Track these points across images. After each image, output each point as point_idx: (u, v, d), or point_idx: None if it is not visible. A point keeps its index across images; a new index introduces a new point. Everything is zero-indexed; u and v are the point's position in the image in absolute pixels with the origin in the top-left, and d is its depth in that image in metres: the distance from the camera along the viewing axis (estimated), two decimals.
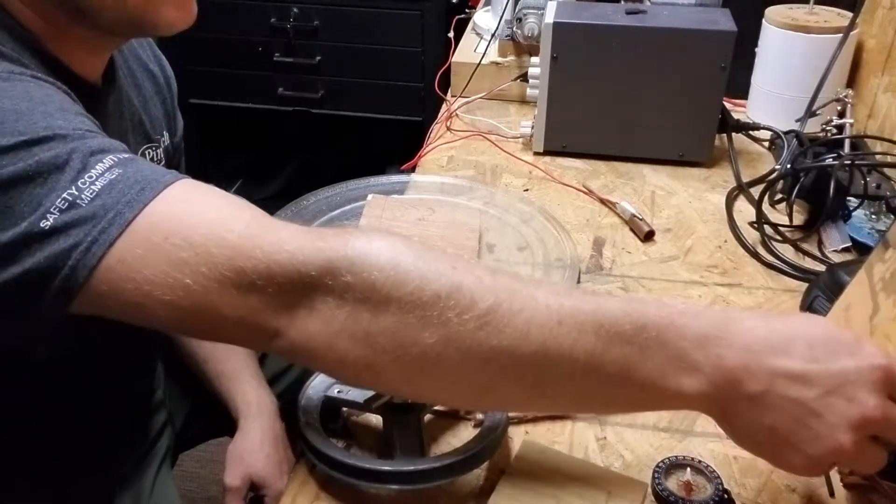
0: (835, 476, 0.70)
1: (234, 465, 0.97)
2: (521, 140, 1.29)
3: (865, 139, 1.22)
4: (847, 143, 1.14)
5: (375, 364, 0.58)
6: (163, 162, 0.91)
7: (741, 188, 1.16)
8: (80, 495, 0.90)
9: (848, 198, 1.06)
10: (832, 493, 0.69)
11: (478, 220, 1.05)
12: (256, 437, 0.98)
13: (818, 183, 1.04)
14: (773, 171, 1.17)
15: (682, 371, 0.58)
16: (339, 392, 0.76)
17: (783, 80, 1.29)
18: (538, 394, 0.60)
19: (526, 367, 0.57)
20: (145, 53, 0.93)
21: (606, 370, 0.58)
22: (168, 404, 1.09)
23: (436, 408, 0.78)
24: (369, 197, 1.07)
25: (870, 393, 0.57)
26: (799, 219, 1.09)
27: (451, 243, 0.98)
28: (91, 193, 0.56)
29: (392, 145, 2.33)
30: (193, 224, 0.57)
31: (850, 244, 1.03)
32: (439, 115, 1.39)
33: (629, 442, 0.76)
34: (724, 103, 1.22)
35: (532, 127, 1.25)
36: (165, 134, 0.93)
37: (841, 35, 1.22)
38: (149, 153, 0.89)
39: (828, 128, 1.19)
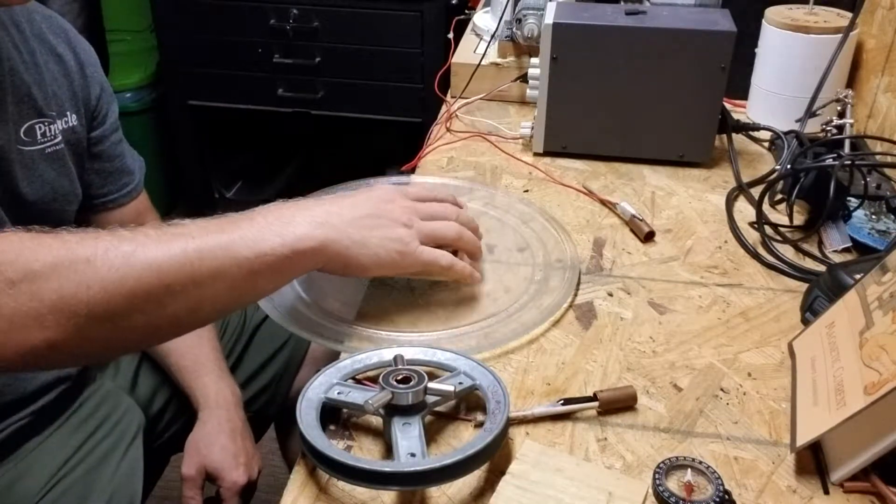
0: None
1: (191, 455, 1.00)
2: (520, 141, 1.29)
3: (865, 139, 1.22)
4: (847, 143, 1.14)
5: (58, 339, 0.62)
6: (58, 139, 0.96)
7: (741, 188, 1.16)
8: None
9: (848, 198, 1.06)
10: (826, 491, 0.70)
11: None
12: (213, 428, 1.01)
13: (818, 183, 1.04)
14: (773, 171, 1.17)
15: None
16: (339, 394, 0.76)
17: (783, 81, 1.29)
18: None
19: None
20: (56, 38, 0.98)
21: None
22: (136, 389, 1.11)
23: (437, 409, 0.78)
24: None
25: (394, 196, 0.83)
26: (799, 219, 1.09)
27: None
28: None
29: (392, 146, 2.33)
30: None
31: (850, 244, 1.03)
32: (439, 116, 1.39)
33: (630, 443, 0.76)
34: (724, 104, 1.22)
35: (532, 128, 1.25)
36: (71, 115, 0.98)
37: (841, 35, 1.22)
38: (39, 127, 0.94)
39: (828, 128, 1.19)
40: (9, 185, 0.91)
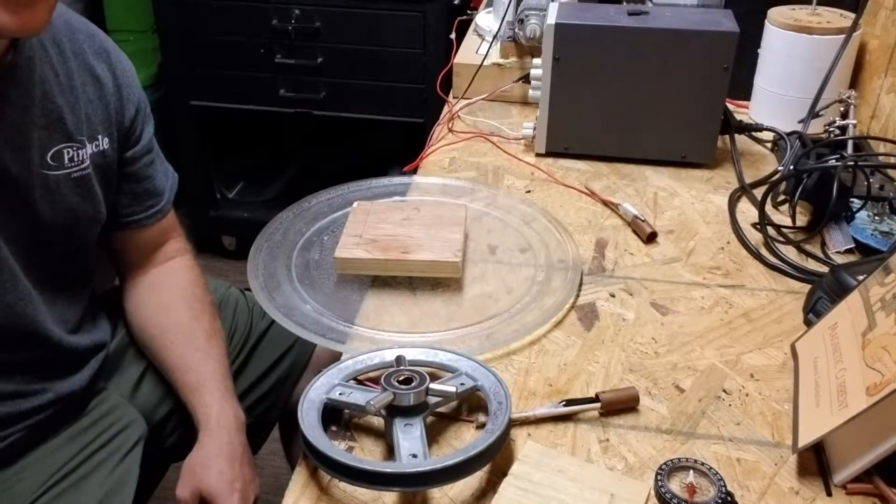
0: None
1: (186, 477, 0.98)
2: (522, 141, 1.29)
3: (868, 140, 1.22)
4: (850, 144, 1.14)
5: None
6: (85, 164, 0.94)
7: (744, 189, 1.16)
8: None
9: (851, 199, 1.06)
10: (829, 493, 0.70)
11: (463, 212, 1.05)
12: (211, 452, 0.98)
13: (821, 184, 1.03)
14: (775, 172, 1.17)
15: None
16: (340, 394, 0.76)
17: (786, 81, 1.29)
18: None
19: None
20: (97, 58, 0.96)
21: None
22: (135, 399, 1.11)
23: (438, 410, 0.78)
24: (354, 204, 1.07)
25: None
26: (802, 220, 1.08)
27: (436, 238, 0.98)
28: None
29: (394, 147, 2.32)
30: None
31: (853, 245, 1.03)
32: (441, 117, 1.39)
33: (632, 444, 0.75)
34: (727, 104, 1.22)
35: (534, 128, 1.25)
36: (103, 139, 0.96)
37: (844, 36, 1.22)
38: (67, 152, 0.92)
39: (831, 129, 1.19)
40: (28, 211, 0.91)
